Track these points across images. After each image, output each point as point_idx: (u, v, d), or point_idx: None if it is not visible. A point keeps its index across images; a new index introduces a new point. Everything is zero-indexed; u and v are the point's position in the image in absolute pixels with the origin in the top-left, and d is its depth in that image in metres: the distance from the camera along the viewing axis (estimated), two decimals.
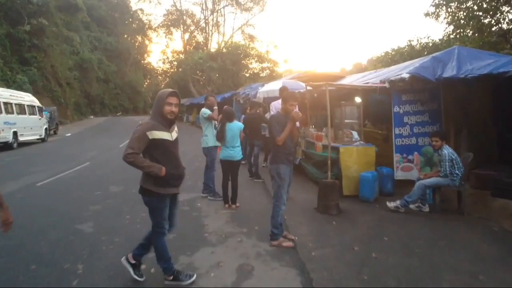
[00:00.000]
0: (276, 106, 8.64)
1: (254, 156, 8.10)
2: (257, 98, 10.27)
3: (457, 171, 5.19)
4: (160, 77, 57.25)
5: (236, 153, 5.76)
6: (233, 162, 5.78)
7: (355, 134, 6.95)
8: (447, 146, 5.33)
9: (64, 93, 36.65)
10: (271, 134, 4.15)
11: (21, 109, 16.66)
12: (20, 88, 24.06)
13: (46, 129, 19.56)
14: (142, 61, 65.69)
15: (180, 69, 35.19)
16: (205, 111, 6.34)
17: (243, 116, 9.38)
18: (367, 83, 7.72)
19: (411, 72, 6.20)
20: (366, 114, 8.50)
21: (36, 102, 18.97)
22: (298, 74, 14.81)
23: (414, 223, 5.14)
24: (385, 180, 6.48)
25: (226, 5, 39.15)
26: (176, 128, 3.16)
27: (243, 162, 9.99)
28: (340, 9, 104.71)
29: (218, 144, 6.09)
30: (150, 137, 2.84)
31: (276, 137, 4.01)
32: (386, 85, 6.72)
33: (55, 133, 23.95)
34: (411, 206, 5.51)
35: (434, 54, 6.95)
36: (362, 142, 6.89)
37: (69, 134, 23.71)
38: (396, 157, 6.66)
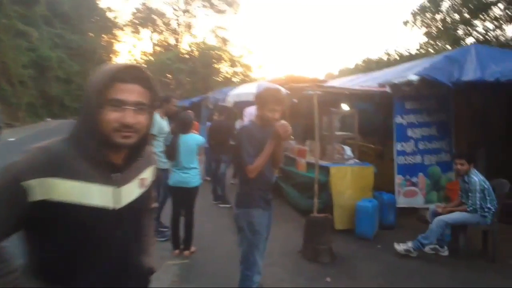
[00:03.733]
0: (252, 113, 7.14)
1: (220, 175, 6.50)
2: (226, 102, 8.74)
3: (489, 205, 3.88)
4: None
5: (191, 177, 4.13)
6: (187, 190, 4.15)
7: (347, 150, 5.56)
8: (476, 172, 4.02)
9: (15, 93, 33.52)
10: (238, 158, 2.64)
11: None
12: None
13: None
14: (109, 62, 62.58)
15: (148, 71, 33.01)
16: (156, 118, 4.68)
17: (208, 123, 7.84)
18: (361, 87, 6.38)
19: (421, 74, 4.90)
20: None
21: None
22: (275, 78, 13.34)
23: (434, 274, 3.78)
24: (386, 209, 5.11)
25: (199, 6, 37.56)
26: (144, 173, 1.34)
27: (207, 178, 8.46)
28: (312, 19, 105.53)
29: (166, 164, 4.42)
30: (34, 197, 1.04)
31: (247, 165, 2.50)
32: (387, 89, 5.40)
33: None
34: (426, 248, 4.14)
35: (446, 53, 5.71)
36: (357, 161, 5.50)
37: (12, 139, 21.05)
38: (398, 179, 5.32)
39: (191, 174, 4.11)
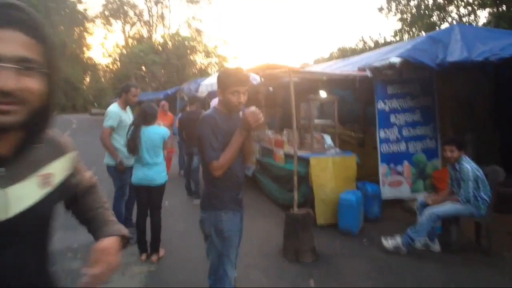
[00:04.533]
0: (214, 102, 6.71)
1: (193, 169, 6.02)
2: (199, 92, 8.25)
3: (483, 195, 3.58)
4: (102, 73, 53.01)
5: (155, 174, 3.67)
6: (152, 189, 3.69)
7: (327, 139, 5.20)
8: (468, 159, 3.71)
9: None
10: (201, 153, 2.19)
11: None
12: None
13: None
14: (81, 55, 60.67)
15: (120, 64, 31.97)
16: (112, 108, 4.15)
17: (179, 115, 7.33)
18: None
19: (403, 56, 4.56)
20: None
21: None
22: (250, 67, 12.83)
23: (426, 271, 3.47)
24: (371, 201, 4.78)
25: None
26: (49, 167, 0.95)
27: (182, 172, 7.99)
28: (286, 9, 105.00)
29: (130, 161, 3.93)
30: None
31: (211, 161, 2.05)
32: (368, 73, 5.05)
33: None
34: (416, 243, 3.83)
35: (429, 33, 5.39)
36: (338, 150, 5.14)
37: None
38: (383, 168, 5.01)
39: (156, 171, 3.65)
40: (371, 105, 6.92)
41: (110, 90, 37.12)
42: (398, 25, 20.91)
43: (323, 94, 6.60)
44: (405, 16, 20.11)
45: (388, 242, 3.84)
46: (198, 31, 34.78)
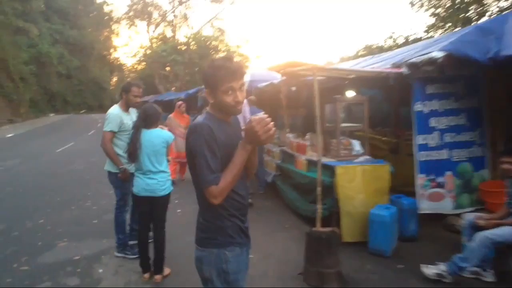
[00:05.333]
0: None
1: None
2: None
3: None
4: (127, 73, 54.01)
5: (158, 183, 3.23)
6: (154, 200, 3.26)
7: (356, 145, 4.62)
8: None
9: (17, 89, 33.23)
10: (194, 175, 1.66)
11: None
12: None
13: None
14: (108, 56, 62.21)
15: (144, 64, 32.20)
16: (113, 110, 3.71)
17: (196, 115, 6.95)
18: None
19: (447, 49, 3.93)
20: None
21: None
22: (272, 65, 12.26)
23: None
24: (406, 217, 4.17)
25: None
26: None
27: None
28: (311, 6, 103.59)
29: (131, 167, 3.51)
30: None
31: (209, 186, 1.54)
32: (404, 70, 4.44)
33: None
34: (465, 272, 3.20)
35: (478, 24, 4.71)
36: (368, 158, 4.55)
37: (11, 135, 20.38)
38: (420, 179, 4.37)
39: (158, 180, 3.21)
40: (404, 106, 6.27)
41: None
42: (430, 21, 19.84)
43: (350, 94, 6.01)
44: (438, 10, 19.01)
45: (429, 270, 3.23)
46: (221, 31, 34.54)
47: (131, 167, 3.49)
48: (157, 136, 3.25)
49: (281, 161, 6.05)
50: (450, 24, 18.66)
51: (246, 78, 8.08)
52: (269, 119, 1.53)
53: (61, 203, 6.03)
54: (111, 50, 61.71)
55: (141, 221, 3.38)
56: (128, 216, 3.90)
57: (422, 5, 19.59)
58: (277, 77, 7.83)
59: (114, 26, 48.83)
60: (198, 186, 1.62)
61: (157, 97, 29.16)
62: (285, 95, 6.34)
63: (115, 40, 59.24)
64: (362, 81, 6.10)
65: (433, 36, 18.28)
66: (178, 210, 5.29)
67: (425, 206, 4.34)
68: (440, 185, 4.40)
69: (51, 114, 41.73)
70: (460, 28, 16.51)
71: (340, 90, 6.09)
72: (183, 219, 4.98)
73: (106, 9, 50.38)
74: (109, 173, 3.71)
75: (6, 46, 32.63)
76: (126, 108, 3.78)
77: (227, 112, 1.66)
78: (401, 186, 4.78)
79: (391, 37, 20.42)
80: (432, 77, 4.38)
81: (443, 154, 4.43)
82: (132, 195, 3.41)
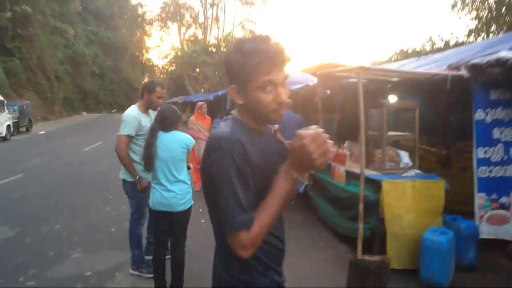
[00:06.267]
0: None
1: None
2: None
3: None
4: (158, 74, 55.00)
5: (177, 197, 2.80)
6: (171, 216, 2.84)
7: (404, 157, 4.04)
8: None
9: (51, 87, 34.43)
10: (214, 211, 1.14)
11: None
12: None
13: (9, 126, 16.84)
14: (141, 57, 63.72)
15: (175, 65, 32.52)
16: (131, 112, 3.30)
17: (223, 117, 6.57)
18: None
19: None
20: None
21: None
22: (306, 67, 11.63)
23: None
24: (464, 243, 3.55)
25: None
26: None
27: None
28: (342, 10, 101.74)
29: (148, 175, 3.09)
30: None
31: (238, 231, 1.02)
32: (463, 72, 3.85)
33: (27, 130, 21.16)
34: None
35: None
36: (418, 172, 3.97)
37: (42, 132, 20.91)
38: (480, 199, 3.75)
39: (177, 193, 2.79)
40: (455, 113, 5.63)
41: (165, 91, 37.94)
42: (472, 24, 18.68)
43: (393, 99, 5.43)
44: (481, 13, 17.85)
45: None
46: (252, 33, 34.35)
47: (148, 176, 3.09)
48: (176, 140, 2.83)
49: (315, 170, 5.53)
50: (493, 27, 17.51)
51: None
52: (326, 135, 1.03)
53: (80, 206, 5.78)
54: (143, 51, 63.22)
55: (157, 239, 2.97)
56: (144, 230, 3.52)
57: (463, 8, 18.51)
58: (311, 80, 7.34)
59: (146, 28, 49.89)
60: (220, 230, 1.14)
61: (186, 98, 29.29)
62: (320, 98, 5.83)
63: (148, 42, 60.63)
64: (406, 85, 5.52)
65: (475, 41, 17.20)
66: (202, 221, 4.88)
67: (486, 230, 3.72)
68: (504, 207, 3.76)
69: (84, 113, 43.04)
70: (505, 31, 15.41)
71: (380, 94, 5.52)
72: (207, 231, 4.54)
73: (140, 10, 51.52)
74: (124, 181, 3.32)
75: (44, 46, 33.84)
76: (145, 109, 3.37)
77: (264, 119, 1.15)
78: (453, 205, 4.16)
79: (429, 41, 19.33)
80: (498, 81, 3.76)
81: (508, 171, 3.79)
82: (148, 208, 3.02)
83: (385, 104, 4.12)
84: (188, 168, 2.95)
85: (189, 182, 2.94)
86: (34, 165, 9.58)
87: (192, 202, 2.94)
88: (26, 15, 28.79)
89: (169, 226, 2.88)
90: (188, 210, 2.89)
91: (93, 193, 6.62)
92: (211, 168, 1.08)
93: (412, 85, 5.42)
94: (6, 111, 16.93)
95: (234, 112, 1.25)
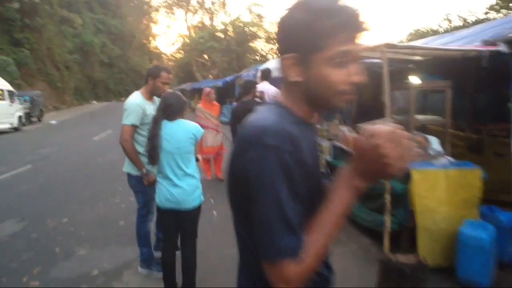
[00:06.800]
0: (269, 91, 5.40)
1: None
2: (257, 79, 7.03)
3: None
4: (166, 61, 54.76)
5: (184, 192, 2.51)
6: (180, 214, 2.57)
7: (434, 143, 3.68)
8: None
9: (62, 77, 34.59)
10: (246, 227, 0.84)
11: None
12: (3, 70, 21.45)
13: (20, 116, 16.85)
14: (148, 45, 63.51)
15: (182, 51, 32.19)
16: (133, 99, 2.98)
17: (233, 104, 6.23)
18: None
19: None
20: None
21: (5, 85, 16.11)
22: None
23: None
24: (505, 237, 3.22)
25: None
26: None
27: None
28: None
29: (154, 169, 2.80)
30: None
31: (282, 258, 0.73)
32: (501, 47, 3.46)
33: (39, 120, 21.22)
34: None
35: None
36: (451, 159, 3.61)
37: (54, 122, 20.94)
38: None
39: (185, 188, 2.50)
40: (485, 93, 5.21)
41: (173, 78, 37.76)
42: (492, 0, 17.86)
43: (415, 80, 5.04)
44: None
45: None
46: (260, 17, 33.59)
47: (154, 169, 2.81)
48: (182, 129, 2.53)
49: (333, 158, 5.21)
50: None
51: None
52: (406, 133, 0.75)
53: (89, 198, 5.59)
54: (150, 39, 62.93)
55: (166, 238, 2.71)
56: (153, 225, 3.27)
57: None
58: None
59: (153, 14, 49.50)
60: (248, 243, 0.86)
61: (194, 85, 29.01)
62: None
63: (154, 29, 60.29)
64: (429, 65, 5.12)
65: (496, 18, 16.37)
66: (214, 213, 4.63)
67: None
68: None
69: (94, 101, 43.23)
70: None
71: (398, 77, 5.12)
72: (220, 224, 4.32)
73: None
74: (129, 175, 3.06)
75: (52, 36, 33.81)
76: (149, 96, 3.06)
77: (325, 103, 0.86)
78: (487, 194, 3.81)
79: (446, 19, 18.55)
80: None
81: None
82: (156, 208, 2.75)
83: (412, 85, 3.74)
84: (197, 160, 2.67)
85: (198, 175, 2.65)
86: (43, 156, 9.45)
87: (203, 198, 2.67)
88: (33, 5, 28.71)
89: (177, 225, 2.61)
90: (198, 207, 2.62)
91: (102, 184, 6.42)
92: (249, 168, 0.78)
93: (436, 64, 5.03)
94: (17, 101, 16.89)
95: (278, 97, 0.93)
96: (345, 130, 5.00)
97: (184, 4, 38.66)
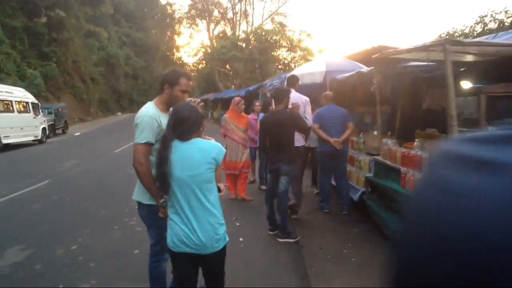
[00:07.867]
0: (300, 99, 4.84)
1: (279, 193, 4.21)
2: (284, 86, 6.49)
3: None
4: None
5: (206, 232, 1.93)
6: (200, 258, 2.00)
7: None
8: None
9: (87, 89, 35.31)
10: None
11: (4, 106, 13.89)
12: (31, 83, 21.93)
13: (44, 128, 16.96)
14: (172, 56, 64.53)
15: (204, 62, 32.16)
16: (146, 111, 2.43)
17: (260, 115, 5.66)
18: None
19: None
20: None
21: (30, 98, 16.25)
22: (355, 52, 10.39)
23: None
24: None
25: None
26: None
27: (262, 187, 6.12)
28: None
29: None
30: None
31: None
32: None
33: (63, 132, 21.43)
34: None
35: None
36: None
37: (78, 134, 21.12)
38: None
39: (205, 226, 1.92)
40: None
41: (196, 89, 37.83)
42: None
43: (466, 85, 4.35)
44: None
45: None
46: (282, 25, 33.22)
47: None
48: (199, 151, 1.96)
49: (374, 175, 4.56)
50: None
51: (321, 68, 6.65)
52: None
53: (104, 219, 5.14)
54: (174, 50, 63.92)
55: (180, 282, 2.12)
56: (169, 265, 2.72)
57: None
58: (356, 67, 6.35)
59: (176, 26, 50.28)
60: None
61: (216, 95, 28.79)
62: (379, 87, 4.82)
63: (178, 40, 61.22)
64: (478, 69, 4.42)
65: None
66: (241, 239, 4.06)
67: None
68: None
69: (119, 113, 43.90)
70: None
71: (440, 81, 4.44)
72: (246, 253, 3.74)
73: (169, 9, 51.97)
74: (140, 205, 2.49)
75: (78, 49, 34.63)
76: (165, 107, 2.48)
77: None
78: None
79: (480, 22, 17.44)
80: None
81: None
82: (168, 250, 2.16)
83: (483, 91, 3.07)
84: (219, 190, 2.09)
85: (220, 209, 2.06)
86: (62, 170, 9.18)
87: (228, 239, 2.08)
88: (60, 19, 29.57)
89: (195, 273, 2.03)
90: (223, 250, 2.03)
91: (118, 202, 5.98)
92: None
93: (495, 67, 4.32)
94: (41, 114, 17.02)
95: None
96: (390, 143, 4.34)
97: (206, 14, 38.91)
